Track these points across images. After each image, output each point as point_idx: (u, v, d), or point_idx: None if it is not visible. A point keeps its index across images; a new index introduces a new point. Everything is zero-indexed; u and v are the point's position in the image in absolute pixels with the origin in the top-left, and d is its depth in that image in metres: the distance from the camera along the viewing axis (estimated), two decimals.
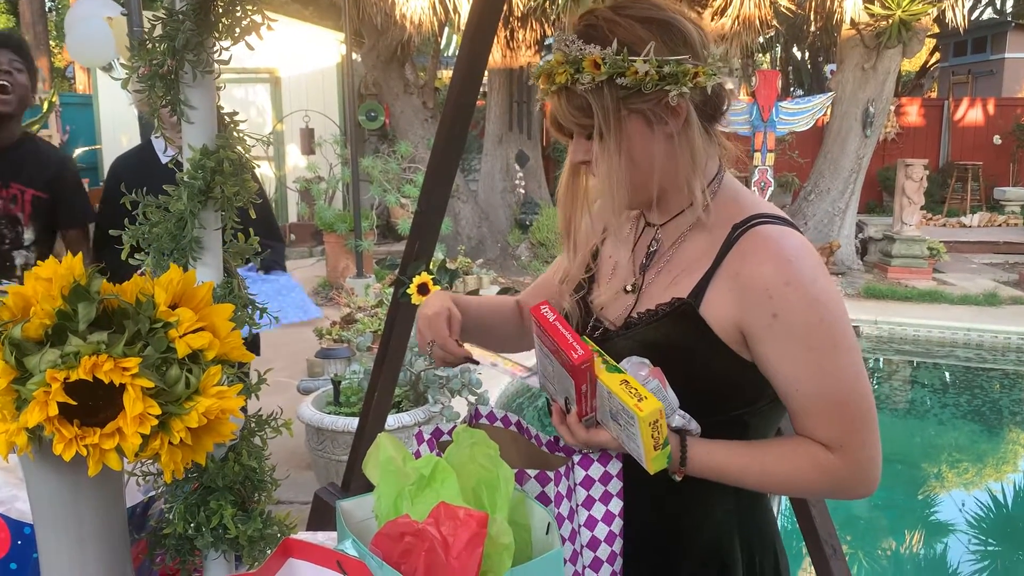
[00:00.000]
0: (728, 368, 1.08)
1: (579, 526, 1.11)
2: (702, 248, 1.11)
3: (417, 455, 1.12)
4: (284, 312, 2.79)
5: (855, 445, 1.05)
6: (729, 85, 1.13)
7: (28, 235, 2.62)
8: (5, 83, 2.48)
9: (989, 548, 4.39)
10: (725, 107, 1.13)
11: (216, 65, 1.00)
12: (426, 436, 1.16)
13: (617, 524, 1.11)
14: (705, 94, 1.07)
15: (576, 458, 1.10)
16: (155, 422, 0.81)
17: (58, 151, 3.00)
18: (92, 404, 0.81)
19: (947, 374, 7.05)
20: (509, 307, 1.43)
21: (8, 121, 2.55)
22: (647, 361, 1.06)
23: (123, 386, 0.79)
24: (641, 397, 0.99)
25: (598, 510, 1.11)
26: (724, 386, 1.10)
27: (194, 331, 0.86)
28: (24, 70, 2.54)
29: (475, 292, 2.16)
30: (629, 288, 1.18)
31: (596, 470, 1.11)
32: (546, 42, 9.71)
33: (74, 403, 0.78)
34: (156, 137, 2.86)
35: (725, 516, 1.16)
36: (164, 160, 2.83)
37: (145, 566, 1.11)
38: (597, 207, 1.19)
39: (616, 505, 1.12)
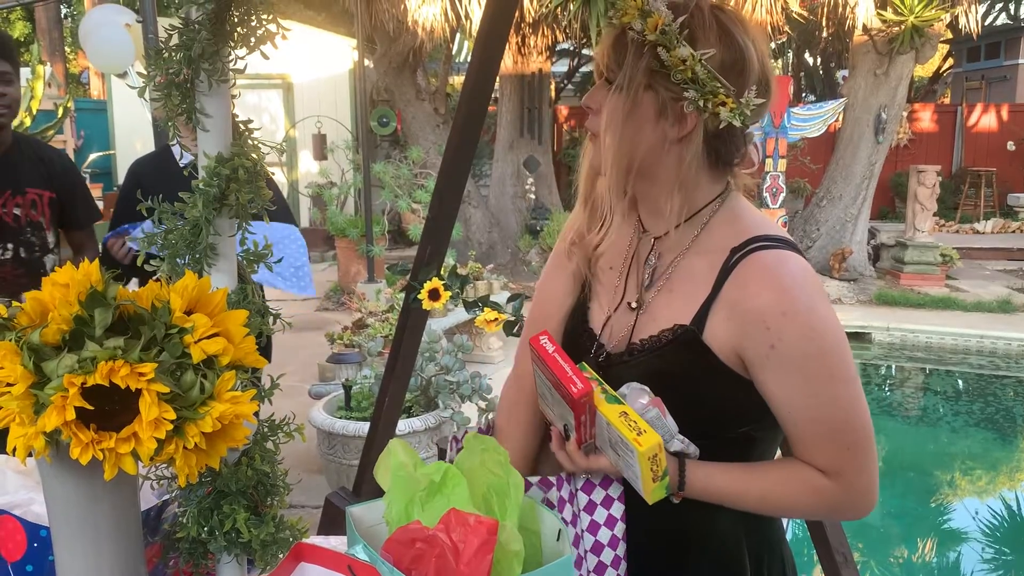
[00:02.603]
0: (733, 390, 1.08)
1: (582, 531, 1.11)
2: (701, 271, 1.11)
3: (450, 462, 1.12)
4: (281, 273, 2.72)
5: (851, 472, 1.05)
6: (753, 143, 1.11)
7: (51, 238, 2.57)
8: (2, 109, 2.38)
9: (1002, 557, 4.36)
10: (736, 159, 1.12)
11: (231, 73, 1.01)
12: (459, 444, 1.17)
13: (620, 528, 1.11)
14: (720, 128, 1.05)
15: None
16: (170, 427, 0.82)
17: (54, 148, 2.88)
18: (108, 409, 0.82)
19: (960, 381, 7.01)
20: None
21: (3, 130, 2.46)
22: (647, 389, 1.07)
23: (139, 391, 0.81)
24: (640, 431, 1.00)
25: (600, 515, 1.12)
26: (730, 407, 1.10)
27: (209, 337, 0.87)
28: (13, 78, 2.44)
29: (485, 297, 2.17)
30: (633, 306, 1.17)
31: (597, 475, 1.12)
32: (557, 48, 9.69)
33: (91, 408, 0.80)
34: (173, 144, 2.86)
35: (731, 524, 1.15)
36: (183, 164, 2.83)
37: (159, 569, 1.12)
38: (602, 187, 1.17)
39: (618, 509, 1.12)
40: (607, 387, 1.06)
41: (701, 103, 1.03)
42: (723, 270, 1.08)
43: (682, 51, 1.02)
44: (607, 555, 1.10)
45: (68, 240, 2.71)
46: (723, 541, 1.16)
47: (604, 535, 1.11)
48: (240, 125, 1.05)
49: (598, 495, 1.12)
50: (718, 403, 1.10)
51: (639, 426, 1.00)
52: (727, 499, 1.10)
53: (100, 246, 2.83)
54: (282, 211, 3.01)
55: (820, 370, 1.03)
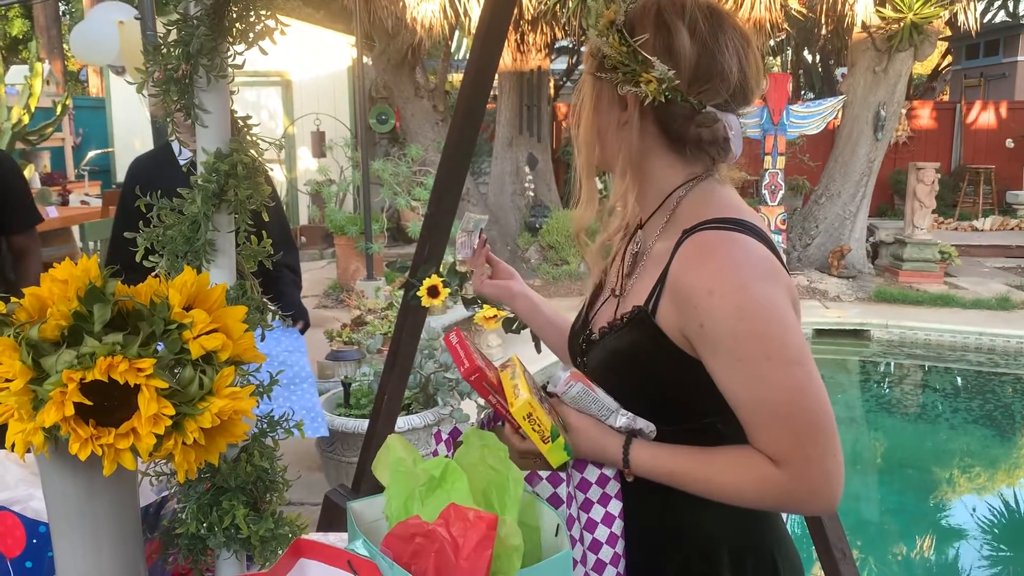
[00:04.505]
0: (689, 375, 1.07)
1: (582, 529, 1.11)
2: (663, 254, 1.12)
3: (435, 454, 1.13)
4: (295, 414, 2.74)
5: (799, 461, 1.01)
6: (730, 130, 1.13)
7: None
8: None
9: (1000, 553, 4.37)
10: (698, 141, 1.13)
11: (229, 69, 1.01)
12: (444, 436, 1.17)
13: (618, 525, 1.11)
14: (657, 107, 1.09)
15: (571, 460, 1.11)
16: (169, 422, 0.82)
17: None
18: (107, 404, 0.82)
19: (959, 378, 7.01)
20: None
21: None
22: (571, 366, 1.12)
23: (138, 387, 0.80)
24: (518, 395, 1.01)
25: (597, 512, 1.12)
26: (688, 393, 1.10)
27: (208, 332, 0.87)
28: None
29: None
30: (618, 293, 1.21)
31: (592, 472, 1.12)
32: (556, 45, 9.70)
33: (90, 403, 0.79)
34: (172, 140, 2.84)
35: (713, 523, 1.14)
36: (182, 162, 2.82)
37: (158, 565, 1.12)
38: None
39: (615, 506, 1.12)
40: (520, 370, 1.11)
41: (622, 79, 1.10)
42: (673, 250, 1.09)
43: (614, 39, 1.10)
44: (605, 552, 1.11)
45: (9, 245, 2.65)
46: (701, 539, 1.14)
47: (602, 533, 1.11)
48: (239, 121, 1.05)
49: (594, 493, 1.12)
50: (675, 387, 1.10)
51: (520, 390, 1.03)
52: (673, 479, 1.09)
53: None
54: (276, 215, 2.96)
55: (753, 351, 1.00)
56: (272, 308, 1.11)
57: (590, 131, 1.17)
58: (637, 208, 1.23)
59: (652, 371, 1.10)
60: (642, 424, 1.09)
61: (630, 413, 1.09)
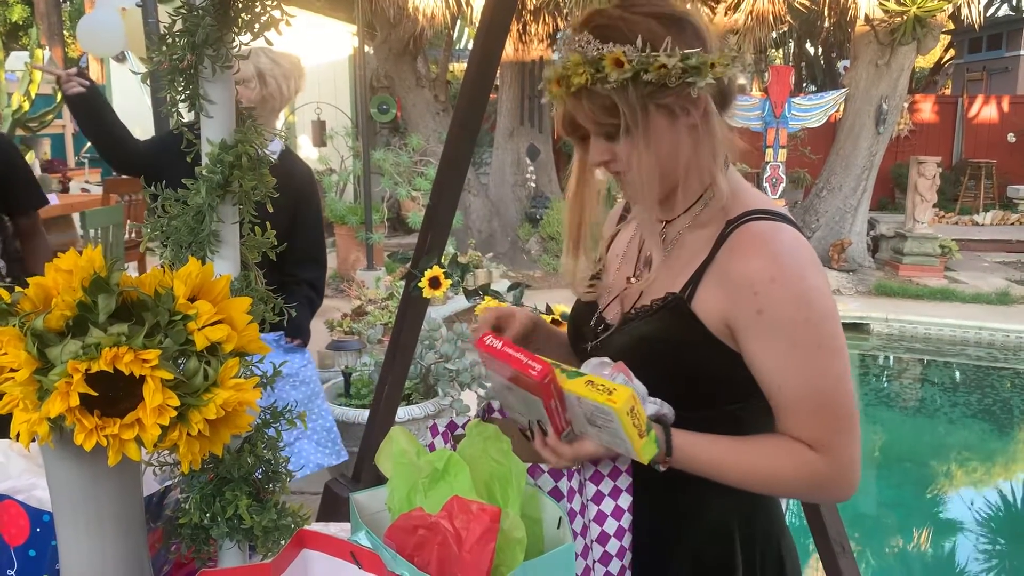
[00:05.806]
0: (719, 362, 1.09)
1: (589, 521, 1.12)
2: (699, 243, 1.13)
3: (431, 448, 1.13)
4: (312, 445, 2.68)
5: (839, 447, 1.05)
6: (741, 80, 1.14)
7: None
8: None
9: (998, 547, 4.39)
10: (734, 98, 1.16)
11: (235, 60, 1.00)
12: (440, 429, 1.17)
13: (627, 519, 1.12)
14: (720, 84, 1.09)
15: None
16: (174, 413, 0.82)
17: None
18: (112, 395, 0.82)
19: (958, 373, 7.02)
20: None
21: None
22: (607, 359, 1.08)
23: (143, 378, 0.81)
24: (610, 390, 0.99)
25: (607, 505, 1.12)
26: (715, 380, 1.11)
27: (212, 324, 0.87)
28: None
29: (486, 286, 2.16)
30: (633, 280, 1.21)
31: (605, 466, 1.12)
32: (558, 36, 9.67)
33: (95, 394, 0.80)
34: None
35: (723, 517, 1.15)
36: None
37: (161, 554, 1.12)
38: (634, 209, 1.19)
39: (625, 500, 1.12)
40: (565, 367, 1.06)
41: (708, 80, 1.05)
42: (718, 240, 1.10)
43: (660, 61, 1.03)
44: (612, 545, 1.11)
45: (15, 227, 2.62)
46: (713, 533, 1.15)
47: (611, 526, 1.11)
48: (243, 112, 1.05)
49: (606, 486, 1.12)
50: (702, 374, 1.10)
51: (607, 387, 0.99)
52: (709, 469, 1.09)
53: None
54: (312, 226, 2.71)
55: (807, 338, 1.03)
56: (278, 301, 1.10)
57: (674, 161, 1.11)
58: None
59: (682, 357, 1.11)
60: (667, 410, 1.09)
61: (659, 400, 1.09)
